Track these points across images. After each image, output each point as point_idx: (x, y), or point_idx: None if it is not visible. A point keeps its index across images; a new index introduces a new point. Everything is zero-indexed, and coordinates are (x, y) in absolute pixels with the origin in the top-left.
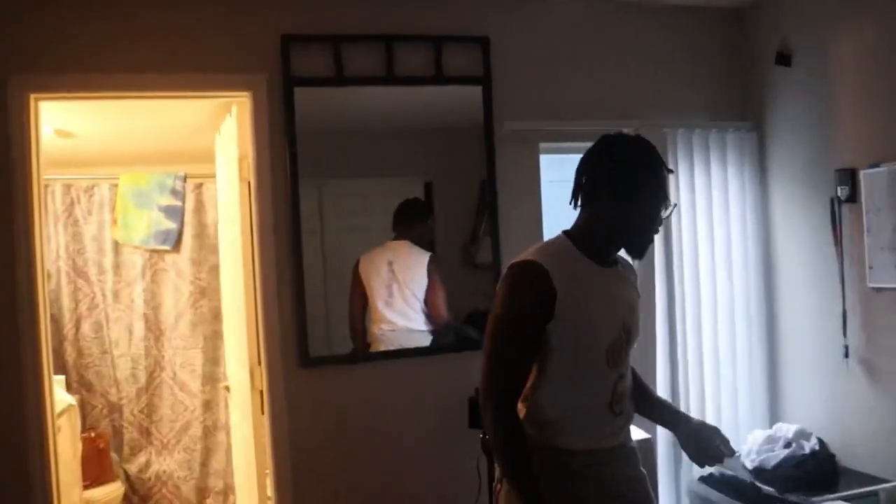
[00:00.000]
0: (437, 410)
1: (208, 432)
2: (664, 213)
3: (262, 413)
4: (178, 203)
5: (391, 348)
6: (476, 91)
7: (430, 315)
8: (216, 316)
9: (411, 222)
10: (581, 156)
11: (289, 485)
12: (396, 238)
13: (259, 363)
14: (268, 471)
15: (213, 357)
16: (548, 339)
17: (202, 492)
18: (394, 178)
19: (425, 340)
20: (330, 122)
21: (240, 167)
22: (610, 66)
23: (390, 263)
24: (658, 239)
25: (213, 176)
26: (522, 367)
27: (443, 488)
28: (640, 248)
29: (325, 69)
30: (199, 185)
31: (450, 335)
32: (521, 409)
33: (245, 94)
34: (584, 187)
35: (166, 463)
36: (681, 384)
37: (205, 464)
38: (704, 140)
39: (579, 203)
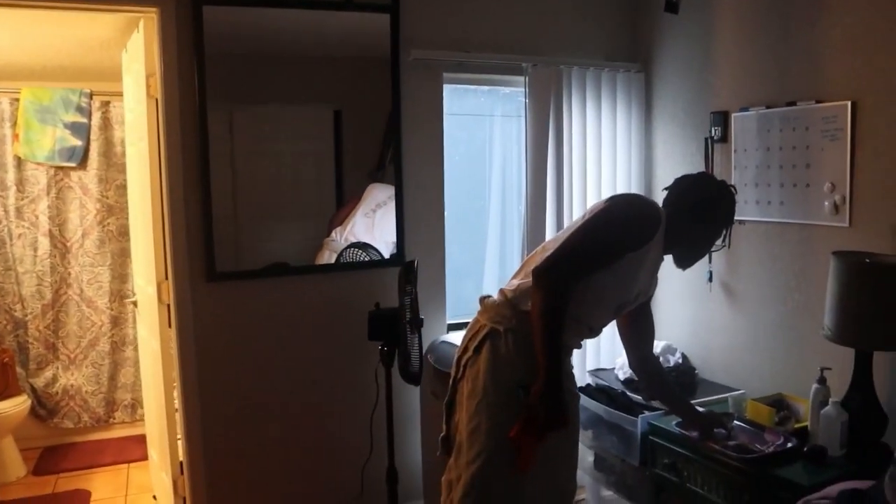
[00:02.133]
0: (340, 324)
1: (116, 348)
2: (716, 247)
3: (170, 326)
4: (84, 120)
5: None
6: (384, 19)
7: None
8: (123, 234)
9: None
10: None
11: (196, 396)
12: None
13: (166, 278)
14: (175, 383)
15: (120, 274)
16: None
17: (111, 405)
18: (304, 104)
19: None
20: (239, 46)
21: (147, 84)
22: (513, 3)
23: None
24: (551, 168)
25: (120, 94)
26: (594, 270)
27: (344, 397)
28: (688, 264)
29: None
30: (106, 103)
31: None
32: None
33: (152, 9)
34: (681, 201)
35: (73, 377)
36: None
37: (113, 378)
38: (597, 78)
39: (667, 203)
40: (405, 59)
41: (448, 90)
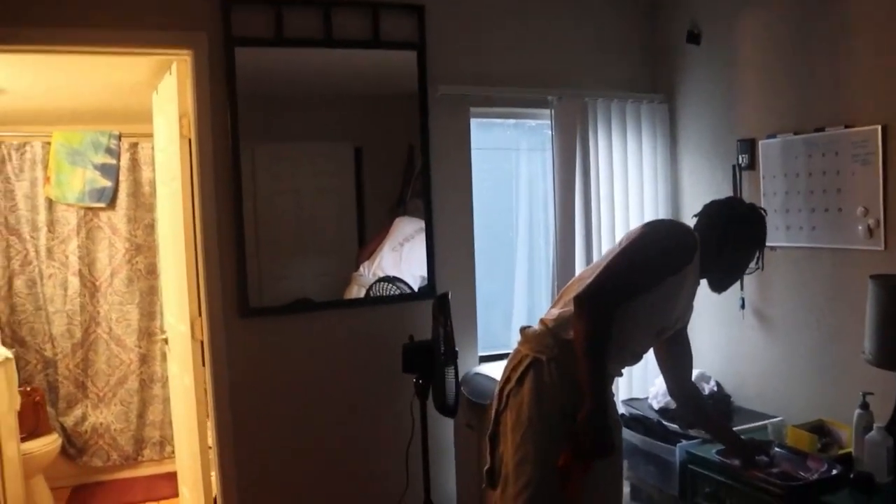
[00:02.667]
0: (372, 357)
1: (144, 385)
2: (750, 270)
3: (203, 364)
4: (114, 161)
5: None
6: (411, 56)
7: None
8: (152, 272)
9: None
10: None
11: (230, 433)
12: None
13: (199, 314)
14: (208, 419)
15: (149, 312)
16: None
17: (139, 443)
18: (325, 142)
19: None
20: (266, 86)
21: (180, 125)
22: (537, 38)
23: None
24: (579, 199)
25: (148, 135)
26: (635, 295)
27: (379, 430)
28: (723, 287)
29: (264, 30)
30: (135, 145)
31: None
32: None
33: (186, 52)
34: (713, 225)
35: (103, 415)
36: None
37: (141, 415)
38: (622, 110)
39: (699, 227)
40: (433, 95)
41: (475, 124)
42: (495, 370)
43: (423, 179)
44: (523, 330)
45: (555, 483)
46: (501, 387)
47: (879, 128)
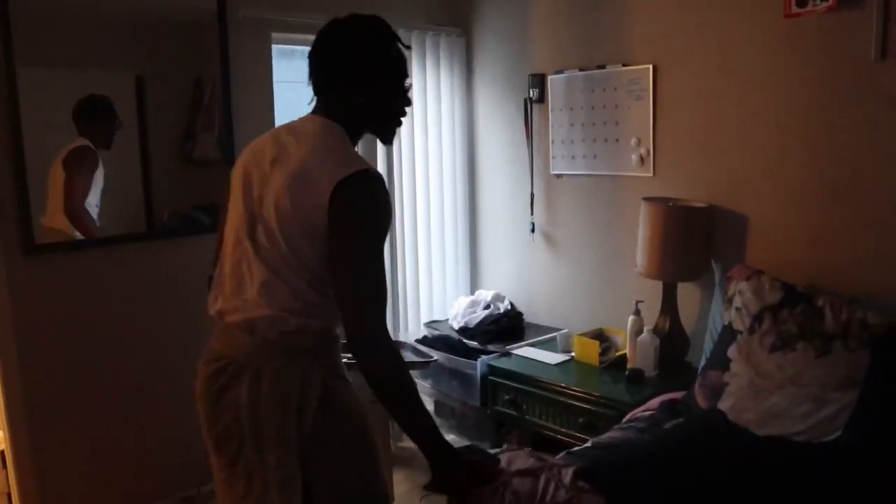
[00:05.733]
0: (170, 294)
1: None
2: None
3: None
4: None
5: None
6: None
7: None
8: None
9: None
10: (313, 40)
11: (18, 384)
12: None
13: None
14: None
15: None
16: None
17: None
18: (102, 69)
19: None
20: (41, 4)
21: None
22: None
23: None
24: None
25: None
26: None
27: (175, 368)
28: (390, 133)
29: None
30: None
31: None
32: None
33: None
34: (325, 73)
35: None
36: (397, 260)
37: None
38: (421, 42)
39: (320, 89)
40: (232, 18)
41: (277, 52)
42: None
43: (222, 108)
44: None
45: None
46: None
47: (651, 67)
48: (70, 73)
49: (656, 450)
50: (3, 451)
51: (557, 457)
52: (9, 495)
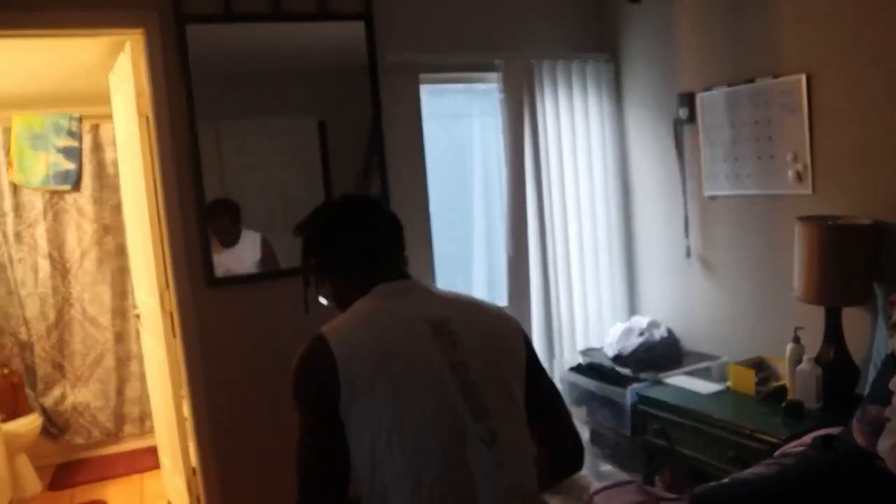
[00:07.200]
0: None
1: (121, 363)
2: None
3: (174, 335)
4: (76, 144)
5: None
6: (359, 27)
7: None
8: (121, 252)
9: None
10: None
11: (203, 402)
12: None
13: (167, 287)
14: (182, 390)
15: (121, 291)
16: None
17: (119, 419)
18: (287, 116)
19: None
20: (220, 63)
21: (137, 103)
22: (482, 1)
23: None
24: (529, 158)
25: (108, 116)
26: (334, 467)
27: None
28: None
29: (214, 6)
30: (96, 126)
31: None
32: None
33: (138, 30)
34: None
35: (81, 394)
36: (552, 288)
37: (120, 392)
38: (567, 70)
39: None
40: (382, 64)
41: (426, 91)
42: None
43: (376, 149)
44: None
45: None
46: None
47: (804, 77)
48: (261, 122)
49: (789, 485)
50: (194, 468)
51: (688, 492)
52: (198, 499)
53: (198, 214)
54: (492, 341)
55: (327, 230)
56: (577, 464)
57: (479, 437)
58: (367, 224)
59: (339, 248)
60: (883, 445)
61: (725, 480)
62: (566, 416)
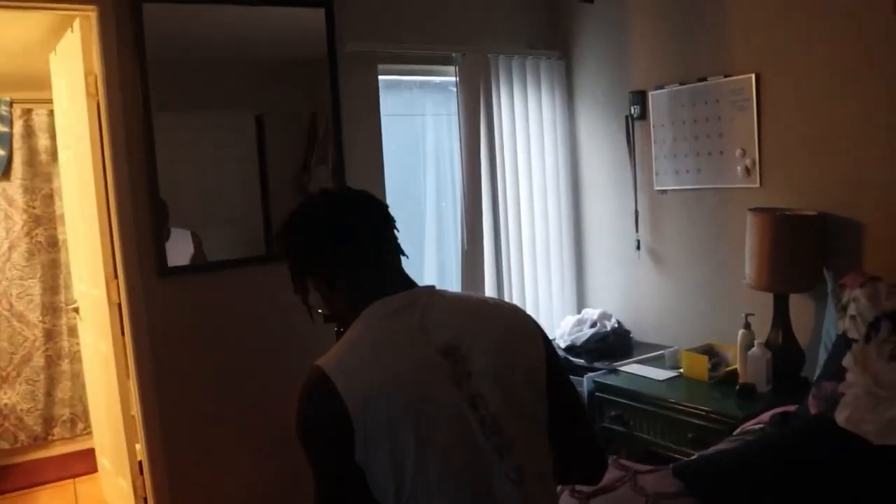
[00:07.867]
0: (287, 308)
1: (51, 362)
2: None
3: (122, 327)
4: (5, 129)
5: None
6: (319, 14)
7: None
8: (53, 245)
9: None
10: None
11: (152, 395)
12: None
13: (115, 276)
14: (130, 384)
15: (51, 286)
16: None
17: (48, 422)
18: (225, 110)
19: None
20: (175, 48)
21: (86, 83)
22: None
23: None
24: (484, 150)
25: (43, 101)
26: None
27: (299, 369)
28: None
29: None
30: (28, 111)
31: None
32: None
33: (90, 7)
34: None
35: (7, 396)
36: (505, 281)
37: (49, 394)
38: (522, 66)
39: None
40: (342, 52)
41: (383, 85)
42: None
43: (333, 141)
44: None
45: None
46: None
47: (753, 76)
48: (199, 115)
49: (759, 453)
50: (140, 461)
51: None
52: (145, 500)
53: (150, 202)
54: (507, 359)
55: (304, 241)
56: (594, 481)
57: (506, 475)
58: (345, 229)
59: (318, 261)
60: (839, 417)
61: (694, 457)
62: (587, 429)
